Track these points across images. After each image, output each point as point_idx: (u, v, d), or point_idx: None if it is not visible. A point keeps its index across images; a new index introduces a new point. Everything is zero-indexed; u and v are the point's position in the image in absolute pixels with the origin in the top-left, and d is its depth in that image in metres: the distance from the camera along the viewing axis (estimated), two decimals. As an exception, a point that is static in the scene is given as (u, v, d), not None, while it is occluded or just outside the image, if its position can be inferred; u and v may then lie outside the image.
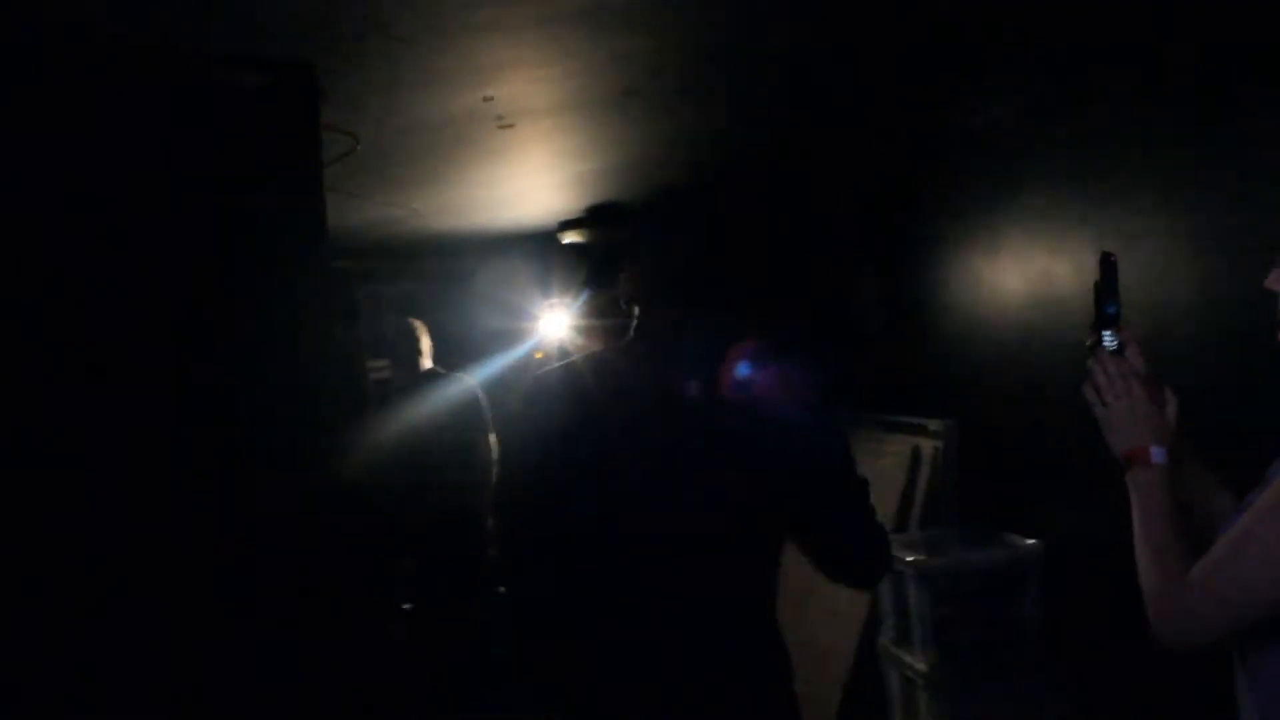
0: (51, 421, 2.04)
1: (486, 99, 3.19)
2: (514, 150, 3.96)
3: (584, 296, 2.37)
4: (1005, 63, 3.55)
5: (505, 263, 6.86)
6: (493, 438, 4.64)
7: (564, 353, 6.60)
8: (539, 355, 6.51)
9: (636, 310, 1.78)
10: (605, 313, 2.01)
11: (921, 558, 3.43)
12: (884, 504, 4.04)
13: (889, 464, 4.14)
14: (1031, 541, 3.52)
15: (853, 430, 4.58)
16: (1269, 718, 1.39)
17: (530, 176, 4.60)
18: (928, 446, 4.02)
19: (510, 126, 3.55)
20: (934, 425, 4.05)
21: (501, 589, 2.00)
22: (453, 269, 7.25)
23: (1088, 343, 1.61)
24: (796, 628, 4.18)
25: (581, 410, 1.72)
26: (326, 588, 2.37)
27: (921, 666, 3.46)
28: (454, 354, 6.49)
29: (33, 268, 2.06)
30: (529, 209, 5.48)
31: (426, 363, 4.83)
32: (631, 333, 1.78)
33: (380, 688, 2.74)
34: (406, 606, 4.58)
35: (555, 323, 6.72)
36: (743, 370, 1.66)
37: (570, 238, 6.12)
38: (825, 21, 2.94)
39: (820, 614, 4.24)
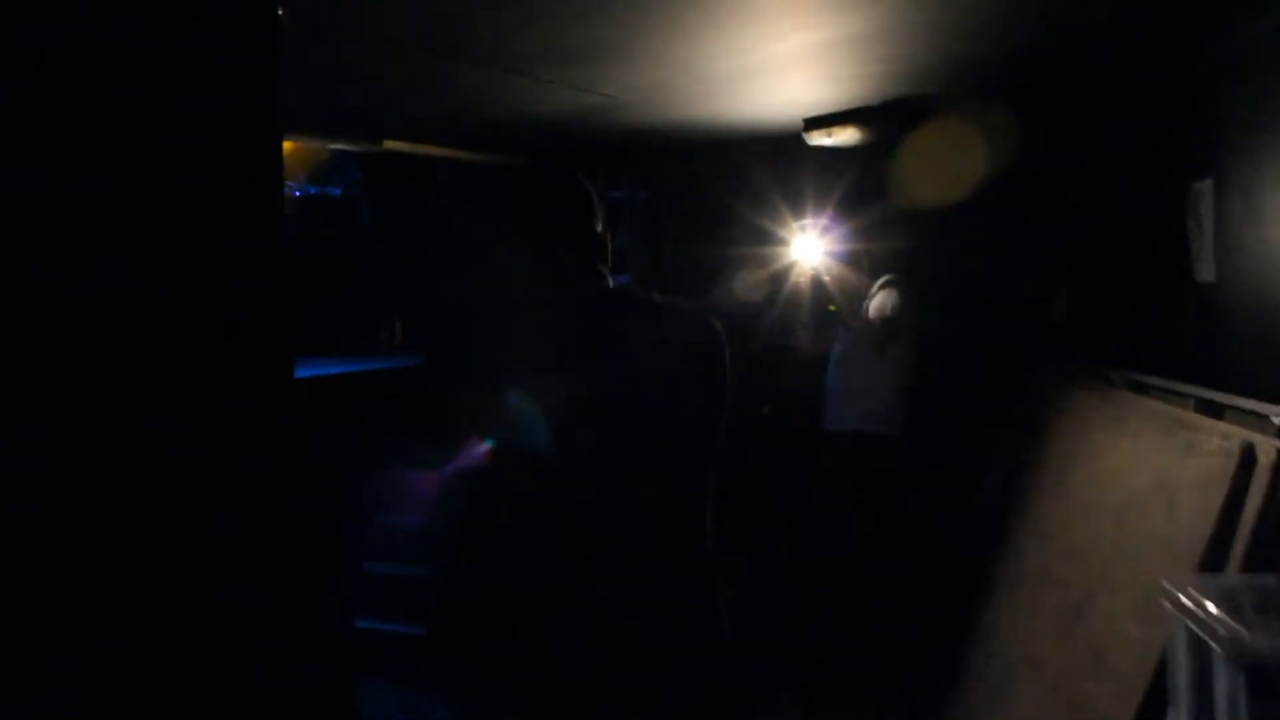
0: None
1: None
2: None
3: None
4: None
5: (740, 169, 5.83)
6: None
7: (819, 288, 5.56)
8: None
9: None
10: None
11: (1240, 630, 2.19)
12: (1186, 525, 2.78)
13: (1200, 467, 2.82)
14: None
15: (1145, 408, 3.33)
16: None
17: (760, 45, 3.52)
18: (1268, 448, 2.69)
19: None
20: (1281, 416, 2.73)
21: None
22: (686, 173, 6.29)
23: None
24: (1053, 669, 2.97)
25: None
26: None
27: (1224, 786, 2.23)
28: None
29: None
30: (763, 98, 4.41)
31: None
32: None
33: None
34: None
35: (808, 248, 5.68)
36: None
37: (820, 139, 5.00)
38: None
39: (1088, 658, 3.08)
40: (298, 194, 10.73)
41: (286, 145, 9.08)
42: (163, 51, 1.50)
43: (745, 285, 5.44)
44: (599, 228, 2.12)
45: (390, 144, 4.61)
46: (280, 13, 2.06)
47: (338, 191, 10.31)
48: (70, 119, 1.42)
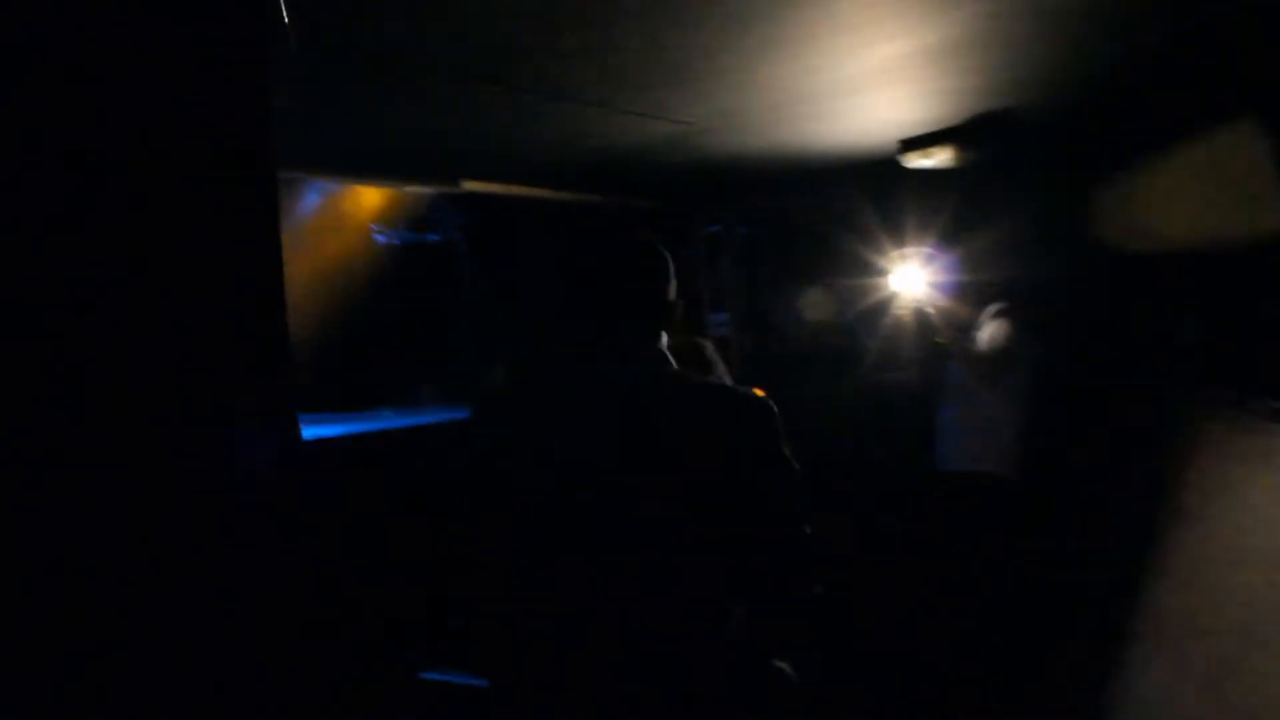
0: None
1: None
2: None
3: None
4: None
5: (833, 198, 5.57)
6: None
7: (923, 319, 5.28)
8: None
9: None
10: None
11: None
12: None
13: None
14: None
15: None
16: None
17: (846, 60, 3.31)
18: None
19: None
20: None
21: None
22: (784, 204, 6.04)
23: None
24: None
25: None
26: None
27: None
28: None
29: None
30: (854, 119, 4.17)
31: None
32: None
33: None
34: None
35: (910, 278, 5.40)
36: None
37: (917, 161, 4.72)
38: None
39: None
40: (397, 241, 10.85)
41: (373, 193, 9.19)
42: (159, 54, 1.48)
43: (814, 304, 5.17)
44: (670, 295, 1.92)
45: (469, 185, 4.49)
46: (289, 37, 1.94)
47: (436, 238, 10.38)
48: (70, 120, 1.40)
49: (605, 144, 4.14)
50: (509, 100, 3.38)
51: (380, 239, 10.95)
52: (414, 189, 4.58)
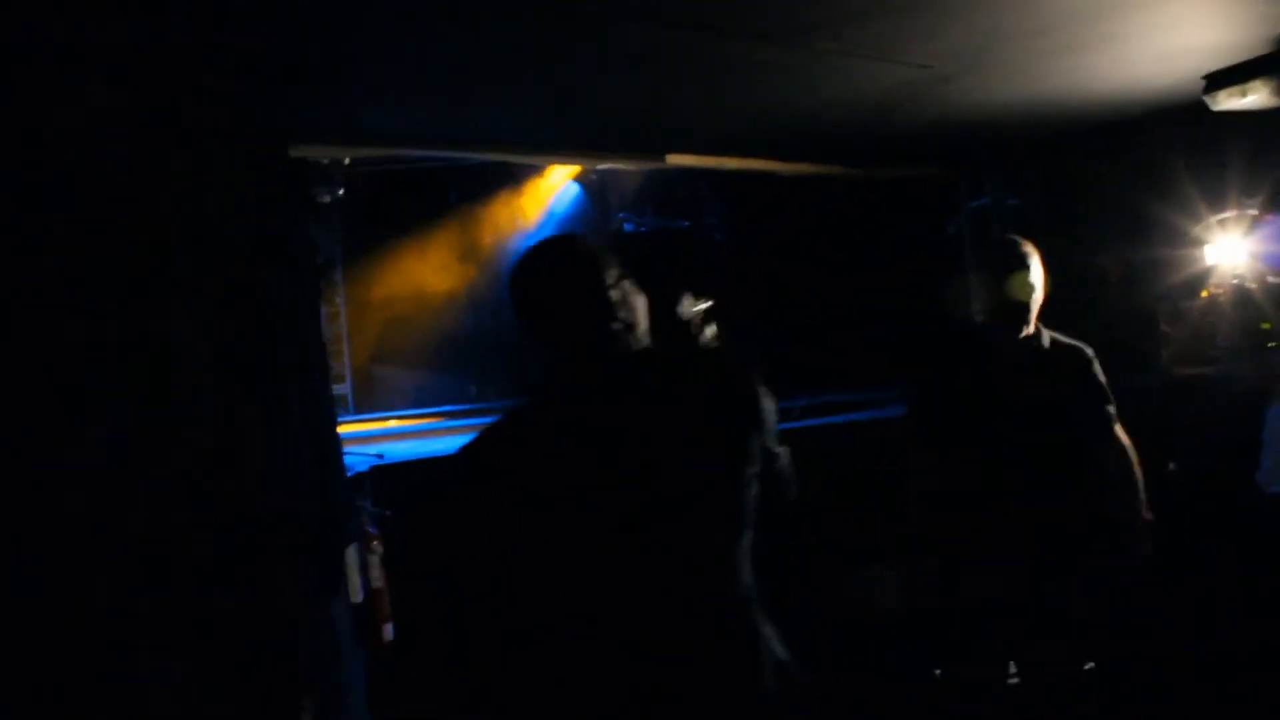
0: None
1: None
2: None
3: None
4: None
5: (1125, 156, 4.56)
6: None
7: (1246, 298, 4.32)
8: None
9: None
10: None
11: None
12: None
13: None
14: None
15: None
16: None
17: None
18: None
19: None
20: None
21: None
22: (1066, 167, 5.07)
23: None
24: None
25: None
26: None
27: None
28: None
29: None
30: (1139, 48, 3.27)
31: None
32: None
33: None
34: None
35: (1229, 249, 4.44)
36: None
37: (1229, 101, 3.71)
38: None
39: None
40: (644, 229, 10.50)
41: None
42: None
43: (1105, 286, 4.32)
44: (605, 289, 1.80)
45: (675, 158, 3.94)
46: None
47: (686, 224, 9.94)
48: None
49: (830, 100, 3.47)
50: (716, 50, 2.81)
51: (628, 227, 10.66)
52: (613, 165, 4.08)
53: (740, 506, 1.72)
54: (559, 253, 1.83)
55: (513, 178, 13.78)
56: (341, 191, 13.99)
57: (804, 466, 1.92)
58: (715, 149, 4.07)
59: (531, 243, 1.87)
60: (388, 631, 4.02)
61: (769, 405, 1.80)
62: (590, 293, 1.75)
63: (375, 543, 4.04)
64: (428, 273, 13.86)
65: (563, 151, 3.73)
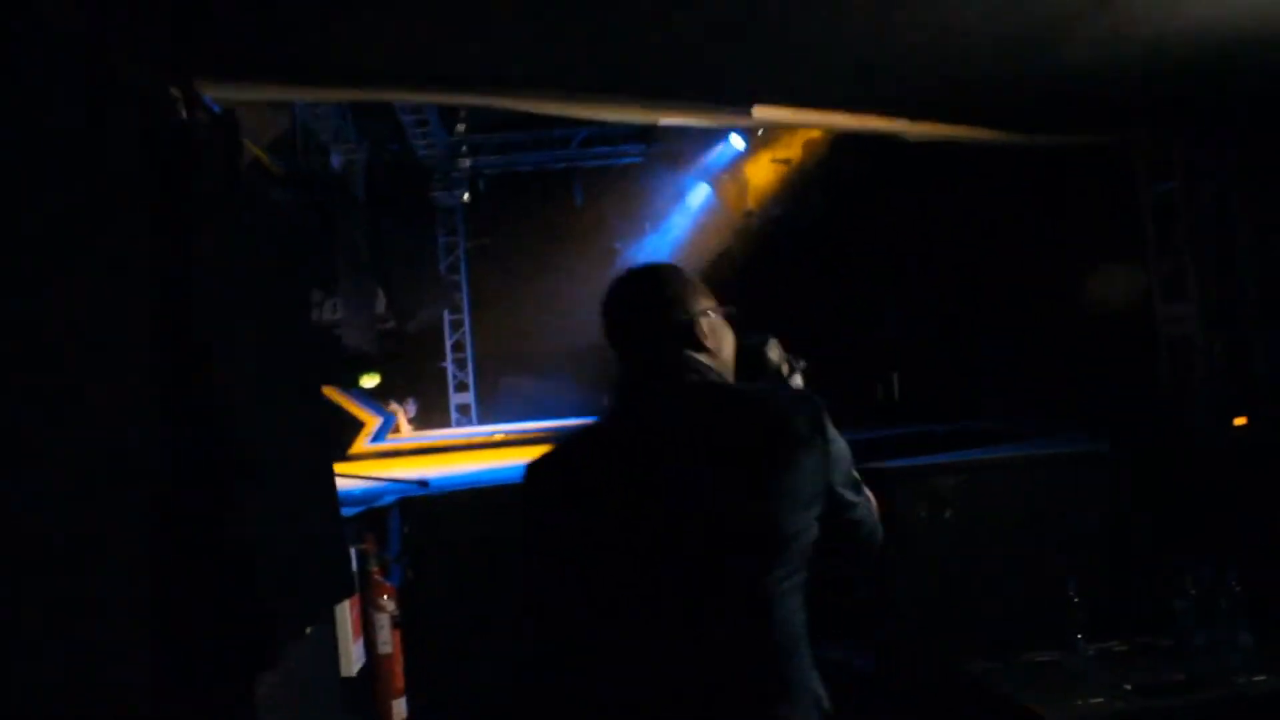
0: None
1: None
2: None
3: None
4: None
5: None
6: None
7: None
8: None
9: None
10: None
11: None
12: None
13: None
14: None
15: None
16: None
17: None
18: None
19: None
20: None
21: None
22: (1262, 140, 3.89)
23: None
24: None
25: None
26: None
27: None
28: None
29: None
30: None
31: None
32: None
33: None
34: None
35: None
36: None
37: None
38: None
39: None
40: (766, 224, 9.50)
41: (760, 171, 7.89)
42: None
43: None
44: (685, 311, 1.83)
45: (763, 112, 3.00)
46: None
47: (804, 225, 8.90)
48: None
49: (977, 24, 2.48)
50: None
51: (754, 225, 9.70)
52: (680, 119, 3.17)
53: (785, 550, 1.69)
54: (642, 279, 1.90)
55: (641, 178, 13.05)
56: (466, 196, 13.56)
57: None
58: (818, 99, 3.10)
59: (626, 268, 1.93)
60: (398, 710, 3.22)
61: (839, 448, 1.76)
62: (665, 321, 1.80)
63: (386, 597, 3.24)
64: (555, 277, 13.20)
65: (610, 100, 2.82)
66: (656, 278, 1.88)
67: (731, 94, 2.98)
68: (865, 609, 3.46)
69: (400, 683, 3.23)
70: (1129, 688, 2.92)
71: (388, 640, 3.20)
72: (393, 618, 3.23)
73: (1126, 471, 3.45)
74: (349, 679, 2.97)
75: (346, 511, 3.30)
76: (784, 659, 1.68)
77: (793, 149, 9.30)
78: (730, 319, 1.91)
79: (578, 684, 1.75)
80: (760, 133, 10.03)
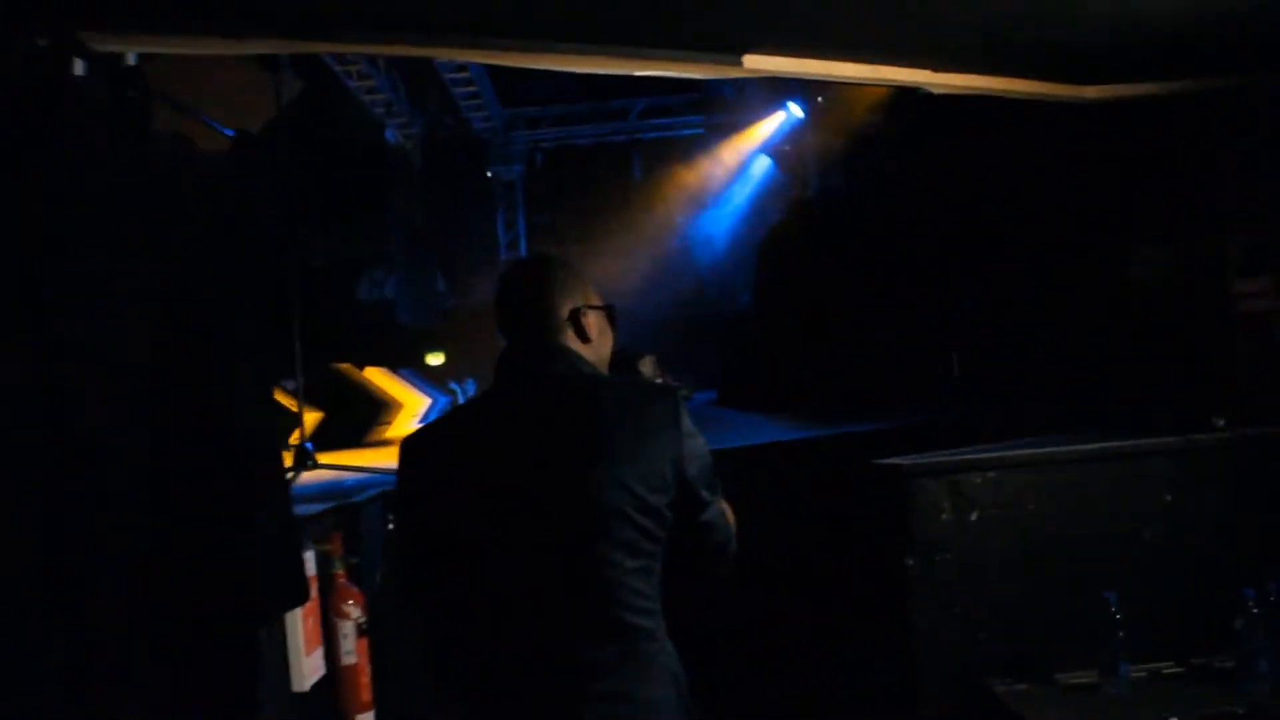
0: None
1: None
2: None
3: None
4: None
5: None
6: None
7: None
8: None
9: None
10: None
11: None
12: None
13: None
14: None
15: None
16: None
17: None
18: None
19: None
20: None
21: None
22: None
23: None
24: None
25: None
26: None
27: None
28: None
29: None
30: None
31: None
32: None
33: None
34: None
35: None
36: None
37: None
38: None
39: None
40: (834, 197, 9.03)
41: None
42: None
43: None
44: (567, 304, 1.93)
45: (752, 60, 2.62)
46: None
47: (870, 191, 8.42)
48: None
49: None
50: None
51: (809, 195, 9.23)
52: (662, 71, 2.78)
53: (628, 529, 1.71)
54: (531, 269, 2.05)
55: (701, 149, 12.68)
56: (519, 170, 13.31)
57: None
58: (819, 46, 2.71)
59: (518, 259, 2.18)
60: (366, 726, 2.96)
61: (695, 444, 1.81)
62: (547, 312, 1.88)
63: (351, 603, 2.97)
64: (614, 253, 12.90)
65: (578, 50, 2.48)
66: (544, 269, 1.96)
67: (719, 41, 2.61)
68: (884, 620, 3.11)
69: (367, 695, 2.96)
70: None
71: (352, 650, 2.93)
72: (358, 625, 2.96)
73: (1186, 465, 3.02)
74: (301, 694, 2.71)
75: (312, 508, 3.05)
76: (636, 638, 1.71)
77: (855, 114, 8.88)
78: (610, 316, 1.98)
79: (454, 657, 1.83)
80: (820, 99, 9.63)
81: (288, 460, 3.86)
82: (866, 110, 8.84)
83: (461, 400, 11.07)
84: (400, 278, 11.87)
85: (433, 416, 10.16)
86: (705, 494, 1.81)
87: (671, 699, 1.73)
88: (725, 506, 1.89)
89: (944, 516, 2.90)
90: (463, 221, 12.17)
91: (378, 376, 8.26)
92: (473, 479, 1.76)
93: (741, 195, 11.73)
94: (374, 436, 7.23)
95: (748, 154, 11.20)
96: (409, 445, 1.87)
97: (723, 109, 11.21)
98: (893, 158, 7.94)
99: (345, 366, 7.68)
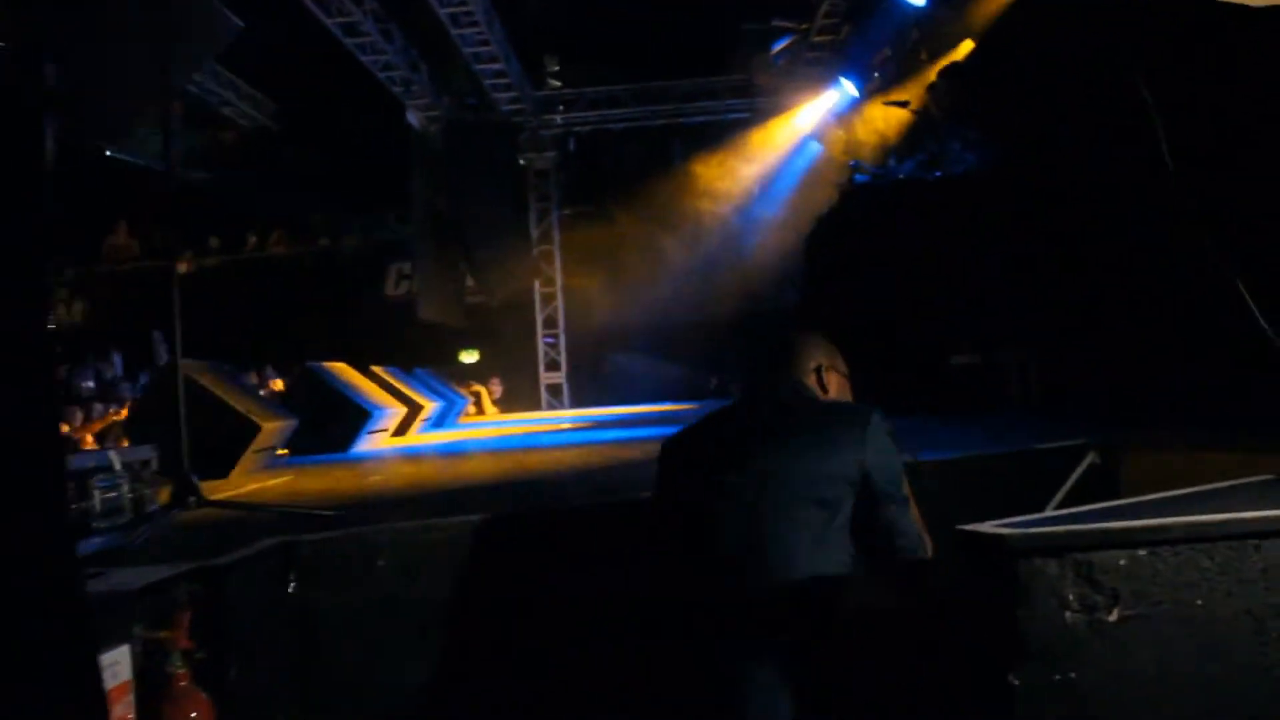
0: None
1: None
2: None
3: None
4: None
5: None
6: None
7: None
8: None
9: None
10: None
11: None
12: None
13: None
14: None
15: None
16: None
17: None
18: None
19: None
20: None
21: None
22: None
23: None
24: None
25: None
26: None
27: None
28: None
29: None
30: None
31: None
32: None
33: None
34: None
35: None
36: None
37: None
38: None
39: None
40: (881, 181, 8.02)
41: (875, 120, 6.54)
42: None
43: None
44: (809, 361, 2.52)
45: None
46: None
47: (939, 174, 7.40)
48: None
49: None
50: None
51: (859, 179, 8.20)
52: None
53: (823, 502, 2.11)
54: (795, 331, 2.55)
55: (744, 133, 11.72)
56: (552, 156, 12.38)
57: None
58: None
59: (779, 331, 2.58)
60: None
61: (884, 456, 2.15)
62: (792, 358, 2.44)
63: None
64: (653, 247, 11.93)
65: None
66: (807, 334, 2.53)
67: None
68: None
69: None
70: None
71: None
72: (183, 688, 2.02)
73: None
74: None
75: (151, 573, 2.13)
76: (833, 567, 2.08)
77: (911, 91, 7.94)
78: (847, 379, 2.49)
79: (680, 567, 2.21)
80: (876, 75, 8.75)
81: (161, 496, 2.94)
82: (926, 89, 7.86)
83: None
84: (421, 270, 11.01)
85: (449, 420, 9.29)
86: (887, 487, 2.12)
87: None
88: (915, 514, 2.16)
89: (1068, 615, 1.89)
90: (491, 211, 11.29)
91: (376, 378, 7.39)
92: (702, 464, 2.26)
93: (787, 180, 10.79)
94: (365, 446, 6.32)
95: (796, 138, 10.26)
96: (668, 442, 2.37)
97: (768, 91, 10.27)
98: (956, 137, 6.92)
99: (336, 366, 6.79)
